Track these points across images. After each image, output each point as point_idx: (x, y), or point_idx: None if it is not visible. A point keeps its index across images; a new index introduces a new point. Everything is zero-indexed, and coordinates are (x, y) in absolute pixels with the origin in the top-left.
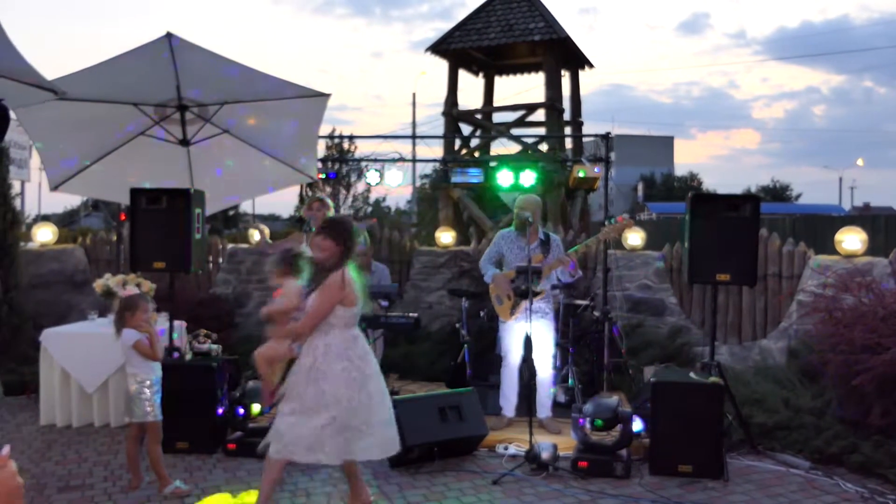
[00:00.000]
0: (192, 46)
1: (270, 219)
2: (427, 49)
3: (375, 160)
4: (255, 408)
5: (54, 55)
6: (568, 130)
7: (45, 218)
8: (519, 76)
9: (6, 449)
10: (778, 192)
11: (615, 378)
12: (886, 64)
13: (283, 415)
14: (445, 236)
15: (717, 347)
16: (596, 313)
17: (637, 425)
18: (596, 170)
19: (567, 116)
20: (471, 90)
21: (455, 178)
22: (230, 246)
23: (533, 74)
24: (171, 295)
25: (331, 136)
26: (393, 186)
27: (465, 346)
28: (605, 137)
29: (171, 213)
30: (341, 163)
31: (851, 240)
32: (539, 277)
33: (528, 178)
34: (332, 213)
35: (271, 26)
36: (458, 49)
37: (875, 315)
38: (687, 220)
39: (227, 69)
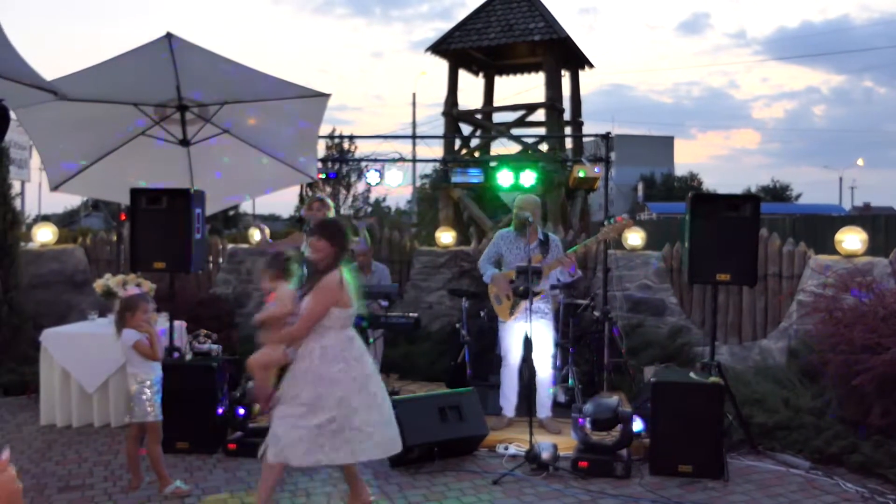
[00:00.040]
0: (192, 47)
1: (270, 219)
2: (427, 49)
3: (375, 160)
4: (257, 407)
5: (54, 55)
6: (568, 130)
7: (45, 218)
8: (519, 76)
9: (6, 453)
10: (778, 192)
11: (615, 378)
12: (886, 64)
13: (279, 418)
14: (445, 236)
15: (717, 347)
16: (596, 313)
17: (637, 425)
18: (596, 170)
19: (567, 116)
20: (471, 90)
21: (455, 178)
22: (230, 246)
23: (533, 74)
24: (171, 295)
25: (331, 136)
26: (393, 186)
27: (465, 346)
28: (606, 137)
29: (171, 213)
30: (341, 163)
31: (851, 240)
32: (539, 277)
33: (528, 177)
34: (331, 213)
35: (271, 26)
36: (458, 49)
37: (875, 315)
38: (687, 220)
39: (227, 69)
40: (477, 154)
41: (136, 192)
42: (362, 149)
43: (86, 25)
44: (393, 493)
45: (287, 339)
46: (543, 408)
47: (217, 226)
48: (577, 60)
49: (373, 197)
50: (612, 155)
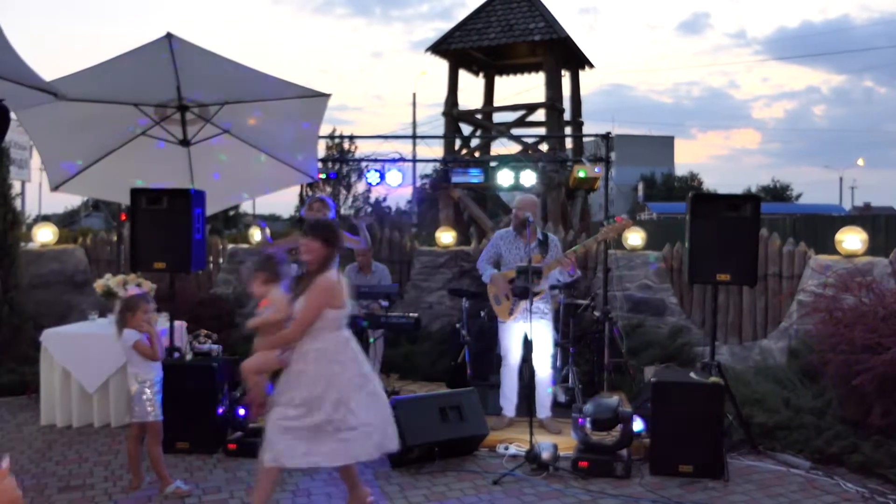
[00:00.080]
0: (192, 47)
1: (271, 219)
2: (427, 49)
3: (376, 160)
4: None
5: (54, 55)
6: (568, 130)
7: (45, 218)
8: (519, 76)
9: (6, 461)
10: (778, 192)
11: (615, 378)
12: (887, 64)
13: (274, 421)
14: (446, 236)
15: (717, 347)
16: (596, 313)
17: (637, 425)
18: (596, 170)
19: (567, 116)
20: (471, 90)
21: (455, 178)
22: (230, 246)
23: (533, 74)
24: (171, 295)
25: (331, 137)
26: (393, 186)
27: (466, 346)
28: (606, 137)
29: (171, 213)
30: (342, 163)
31: (852, 240)
32: (539, 277)
33: (529, 177)
34: (330, 213)
35: (271, 26)
36: (458, 49)
37: (875, 315)
38: (687, 220)
39: (228, 69)
40: (477, 154)
41: (136, 193)
42: (362, 149)
43: (86, 25)
44: (394, 493)
45: (282, 343)
46: (543, 408)
47: (217, 226)
48: (577, 60)
49: (373, 197)
50: (613, 155)
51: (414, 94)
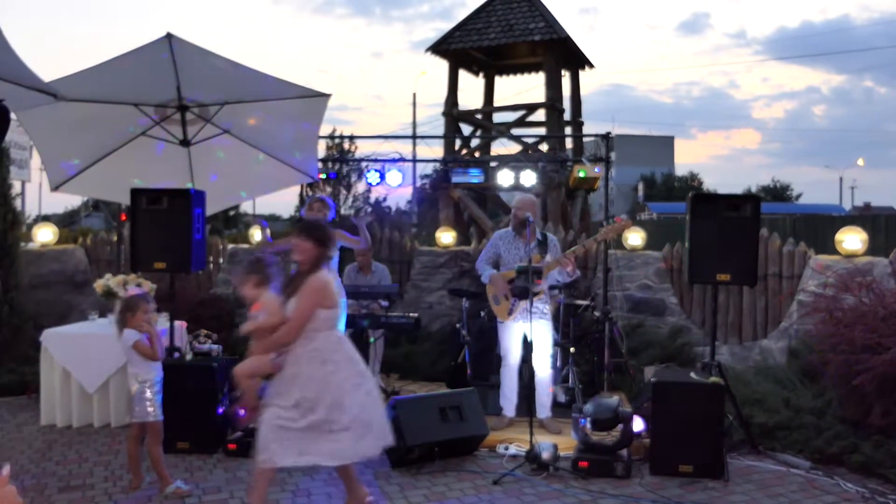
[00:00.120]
0: (193, 47)
1: (271, 219)
2: (427, 49)
3: (376, 160)
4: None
5: (54, 55)
6: (568, 130)
7: (45, 218)
8: (519, 76)
9: (6, 469)
10: (778, 192)
11: (616, 378)
12: (887, 64)
13: (268, 422)
14: (446, 236)
15: (717, 347)
16: (596, 313)
17: (637, 425)
18: (596, 170)
19: (567, 116)
20: (471, 90)
21: (455, 178)
22: (231, 246)
23: (533, 74)
24: (171, 295)
25: (331, 137)
26: (393, 186)
27: (466, 346)
28: (606, 137)
29: (171, 213)
30: (342, 163)
31: (852, 240)
32: (540, 277)
33: (529, 177)
34: (330, 212)
35: (271, 26)
36: (458, 49)
37: (875, 315)
38: (687, 220)
39: (228, 69)
40: (477, 154)
41: (136, 193)
42: (362, 149)
43: (86, 26)
44: (394, 493)
45: (276, 346)
46: (543, 408)
47: (217, 226)
48: (577, 60)
49: (373, 197)
50: (613, 155)
51: (414, 94)
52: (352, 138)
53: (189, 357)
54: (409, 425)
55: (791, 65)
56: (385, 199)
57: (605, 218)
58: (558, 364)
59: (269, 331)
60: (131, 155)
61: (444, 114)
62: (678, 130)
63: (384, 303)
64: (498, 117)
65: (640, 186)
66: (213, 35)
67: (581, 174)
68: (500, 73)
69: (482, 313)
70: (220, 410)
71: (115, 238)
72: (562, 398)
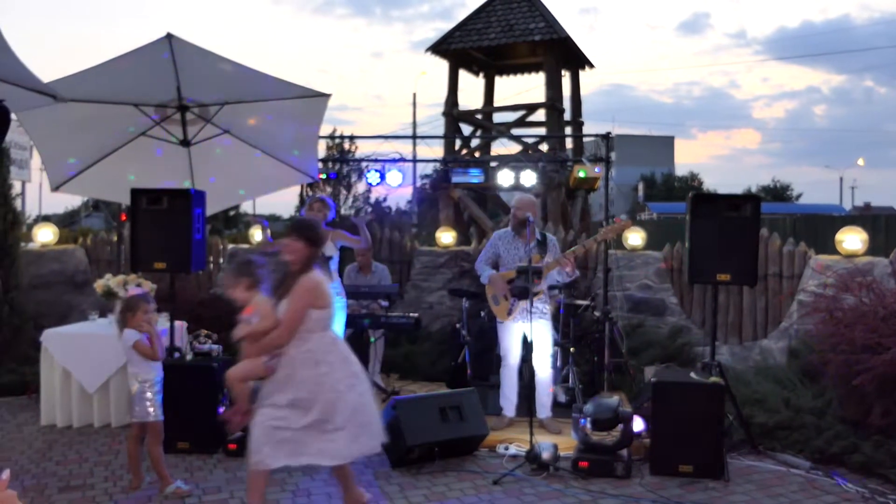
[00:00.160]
0: (193, 47)
1: (271, 219)
2: (427, 49)
3: (376, 160)
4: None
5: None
6: (568, 130)
7: (45, 218)
8: (519, 76)
9: (6, 473)
10: (778, 192)
11: (616, 378)
12: (887, 64)
13: (260, 424)
14: (446, 236)
15: (717, 347)
16: (596, 313)
17: (638, 425)
18: (596, 170)
19: (567, 116)
20: (471, 90)
21: (455, 178)
22: (231, 246)
23: (533, 74)
24: (171, 295)
25: (331, 137)
26: (393, 187)
27: (466, 346)
28: (606, 137)
29: (171, 213)
30: (342, 163)
31: (852, 240)
32: (540, 277)
33: (529, 177)
34: (330, 212)
35: (271, 26)
36: (458, 49)
37: (876, 315)
38: (687, 220)
39: (228, 70)
40: (477, 154)
41: (136, 193)
42: (363, 149)
43: (86, 26)
44: (394, 493)
45: (269, 349)
46: (544, 408)
47: (217, 226)
48: (577, 60)
49: (373, 197)
50: (613, 155)
51: (414, 94)
52: (352, 138)
53: (189, 357)
54: (409, 425)
55: (791, 65)
56: (385, 199)
57: (605, 218)
58: (558, 364)
59: (262, 335)
60: (131, 155)
61: (445, 114)
62: (678, 130)
63: (384, 303)
64: (498, 117)
65: (641, 186)
66: (213, 35)
67: (581, 174)
68: (500, 73)
69: (482, 313)
70: (221, 410)
71: (115, 238)
72: (562, 398)
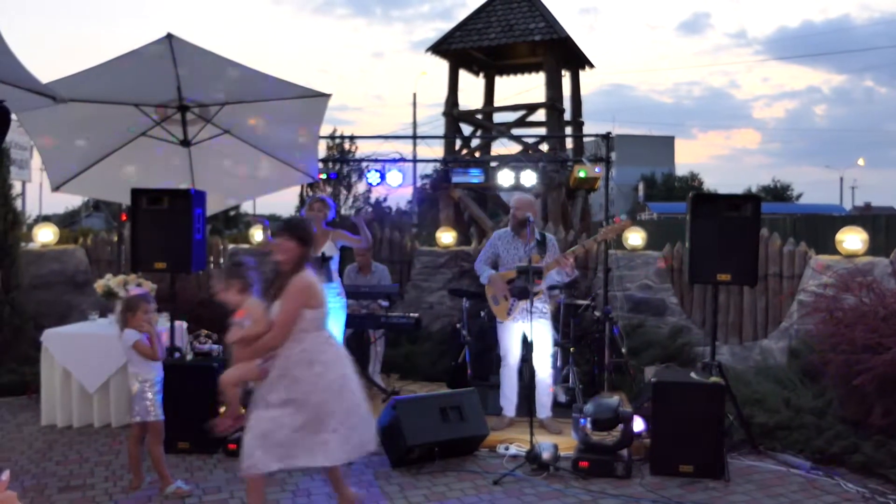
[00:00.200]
0: (193, 47)
1: (271, 219)
2: (427, 49)
3: (376, 160)
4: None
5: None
6: (568, 130)
7: (46, 218)
8: (519, 76)
9: (6, 474)
10: (779, 192)
11: (616, 378)
12: (887, 63)
13: (254, 426)
14: (446, 236)
15: (717, 347)
16: (597, 313)
17: (638, 425)
18: (597, 170)
19: (567, 116)
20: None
21: (455, 178)
22: (231, 246)
23: (533, 74)
24: (171, 295)
25: (332, 137)
26: (394, 187)
27: (466, 346)
28: (606, 137)
29: (172, 213)
30: (342, 163)
31: (852, 240)
32: (540, 277)
33: (529, 177)
34: (330, 212)
35: (271, 26)
36: (458, 49)
37: (876, 315)
38: (688, 220)
39: (228, 70)
40: (477, 154)
41: (136, 193)
42: (363, 149)
43: (86, 26)
44: (394, 493)
45: (264, 351)
46: (544, 408)
47: (218, 226)
48: (577, 60)
49: (373, 197)
50: (613, 155)
51: (414, 95)
52: (352, 138)
53: (189, 357)
54: (409, 425)
55: (791, 65)
56: (385, 200)
57: (606, 218)
58: (559, 364)
59: (255, 339)
60: (132, 155)
61: (445, 114)
62: (678, 130)
63: (384, 303)
64: (498, 117)
65: (641, 186)
66: (213, 35)
67: (581, 174)
68: (501, 73)
69: (482, 313)
70: (221, 410)
71: (115, 238)
72: (562, 398)
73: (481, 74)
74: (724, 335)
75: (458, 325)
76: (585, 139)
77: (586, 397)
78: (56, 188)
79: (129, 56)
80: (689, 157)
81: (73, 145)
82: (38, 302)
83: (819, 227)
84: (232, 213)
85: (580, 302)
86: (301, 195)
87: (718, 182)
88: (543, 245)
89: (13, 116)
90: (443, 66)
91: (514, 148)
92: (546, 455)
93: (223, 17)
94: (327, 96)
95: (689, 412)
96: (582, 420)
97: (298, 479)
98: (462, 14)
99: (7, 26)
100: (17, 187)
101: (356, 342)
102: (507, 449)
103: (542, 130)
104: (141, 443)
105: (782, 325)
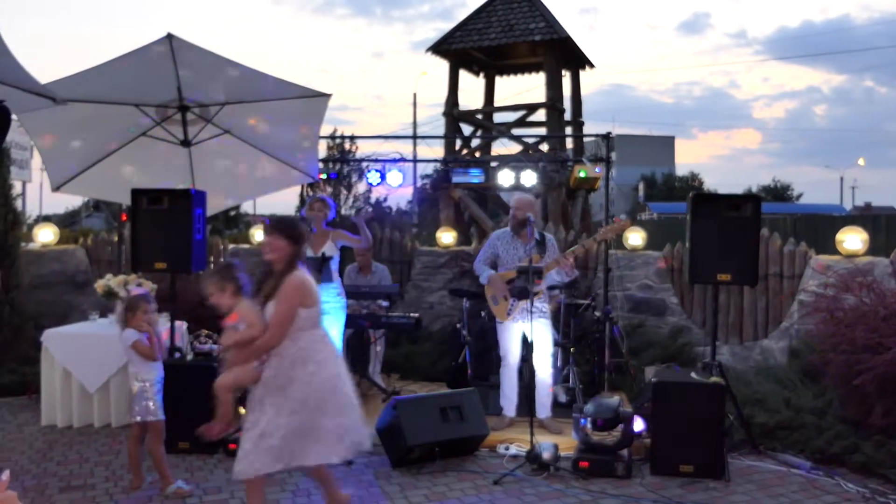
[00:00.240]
0: (193, 47)
1: (271, 219)
2: (428, 49)
3: (376, 160)
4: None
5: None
6: (569, 130)
7: (46, 218)
8: (520, 76)
9: (6, 474)
10: (779, 192)
11: (616, 378)
12: (887, 63)
13: (248, 429)
14: (446, 236)
15: (718, 347)
16: (597, 313)
17: (638, 425)
18: (597, 170)
19: (568, 116)
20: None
21: (456, 178)
22: (231, 246)
23: (534, 74)
24: (172, 295)
25: (332, 137)
26: (394, 187)
27: (466, 346)
28: (606, 137)
29: (172, 213)
30: (342, 163)
31: (852, 240)
32: (541, 277)
33: (529, 177)
34: (330, 212)
35: (271, 26)
36: (458, 49)
37: (876, 315)
38: (688, 220)
39: (228, 70)
40: (478, 154)
41: (137, 193)
42: (363, 149)
43: (86, 26)
44: (394, 493)
45: (262, 352)
46: (544, 408)
47: (218, 226)
48: (577, 60)
49: (373, 197)
50: (613, 155)
51: (414, 95)
52: (352, 138)
53: (190, 357)
54: (409, 425)
55: (791, 65)
56: (386, 200)
57: (606, 218)
58: (559, 364)
59: (250, 342)
60: (132, 155)
61: (445, 114)
62: (679, 130)
63: (385, 303)
64: (498, 117)
65: (641, 186)
66: (213, 35)
67: (581, 174)
68: (501, 73)
69: (483, 313)
70: None
71: (115, 238)
72: (562, 398)
73: (481, 74)
74: (724, 335)
75: (458, 325)
76: (585, 139)
77: (587, 397)
78: (56, 188)
79: (129, 56)
80: (690, 157)
81: (74, 145)
82: (39, 302)
83: (819, 227)
84: (232, 213)
85: (580, 302)
86: (301, 195)
87: (718, 182)
88: (543, 245)
89: (13, 116)
90: (443, 66)
91: (514, 148)
92: (546, 455)
93: (223, 17)
94: (327, 96)
95: (689, 412)
96: (582, 420)
97: (298, 479)
98: (462, 14)
99: (7, 26)
100: (17, 187)
101: (356, 342)
102: (507, 449)
103: (543, 130)
104: (141, 443)
105: (783, 325)
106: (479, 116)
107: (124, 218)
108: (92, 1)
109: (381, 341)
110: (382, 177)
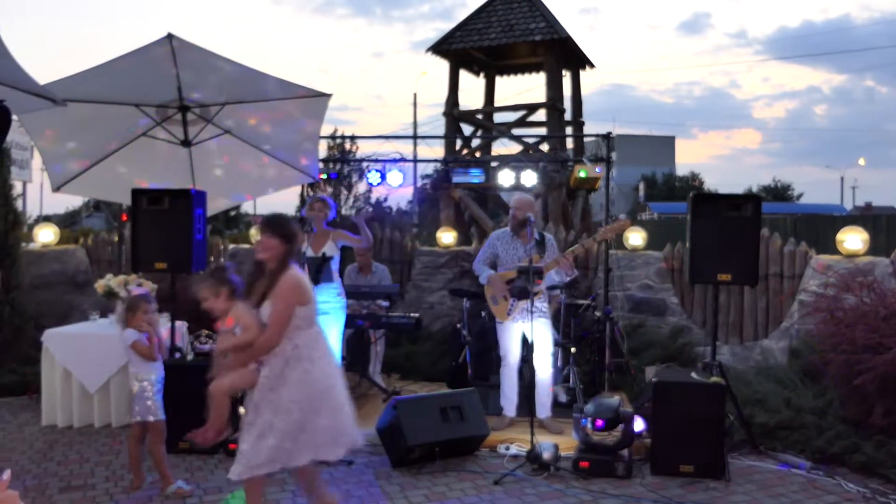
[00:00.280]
0: (193, 47)
1: None
2: (428, 49)
3: (377, 160)
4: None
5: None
6: (569, 130)
7: (46, 218)
8: (520, 76)
9: (7, 474)
10: (779, 192)
11: (616, 378)
12: (888, 63)
13: (243, 433)
14: (446, 236)
15: (718, 347)
16: (597, 313)
17: (638, 425)
18: (597, 170)
19: (568, 116)
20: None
21: (456, 178)
22: (232, 246)
23: (534, 74)
24: (172, 295)
25: (332, 137)
26: (394, 187)
27: (466, 346)
28: (606, 137)
29: (172, 213)
30: (343, 163)
31: (853, 239)
32: (541, 277)
33: (529, 177)
34: (331, 212)
35: (271, 26)
36: (459, 49)
37: (877, 315)
38: (688, 220)
39: (229, 70)
40: (478, 154)
41: (137, 193)
42: (363, 149)
43: (86, 26)
44: (394, 493)
45: (260, 353)
46: (544, 408)
47: (218, 226)
48: (577, 60)
49: (374, 197)
50: (613, 155)
51: (415, 95)
52: (353, 138)
53: (190, 357)
54: (409, 425)
55: (792, 64)
56: (386, 200)
57: (606, 218)
58: (559, 364)
59: (248, 345)
60: (132, 155)
61: (445, 114)
62: (679, 130)
63: (385, 303)
64: (499, 117)
65: (641, 186)
66: (213, 35)
67: (582, 174)
68: (501, 73)
69: (483, 313)
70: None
71: (116, 238)
72: (563, 398)
73: (482, 74)
74: (724, 335)
75: (458, 325)
76: (586, 139)
77: (587, 397)
78: (57, 188)
79: (129, 56)
80: (690, 157)
81: (74, 145)
82: (39, 302)
83: (819, 226)
84: (232, 213)
85: (581, 302)
86: (301, 195)
87: (719, 182)
88: (542, 245)
89: (14, 117)
90: (443, 66)
91: (514, 148)
92: (547, 455)
93: (223, 17)
94: (328, 96)
95: (689, 412)
96: (583, 420)
97: None
98: (462, 14)
99: (7, 26)
100: (17, 187)
101: (356, 342)
102: (507, 449)
103: (543, 130)
104: (141, 443)
105: (783, 325)
106: (480, 116)
107: (124, 218)
108: (92, 1)
109: (381, 341)
110: (383, 177)
